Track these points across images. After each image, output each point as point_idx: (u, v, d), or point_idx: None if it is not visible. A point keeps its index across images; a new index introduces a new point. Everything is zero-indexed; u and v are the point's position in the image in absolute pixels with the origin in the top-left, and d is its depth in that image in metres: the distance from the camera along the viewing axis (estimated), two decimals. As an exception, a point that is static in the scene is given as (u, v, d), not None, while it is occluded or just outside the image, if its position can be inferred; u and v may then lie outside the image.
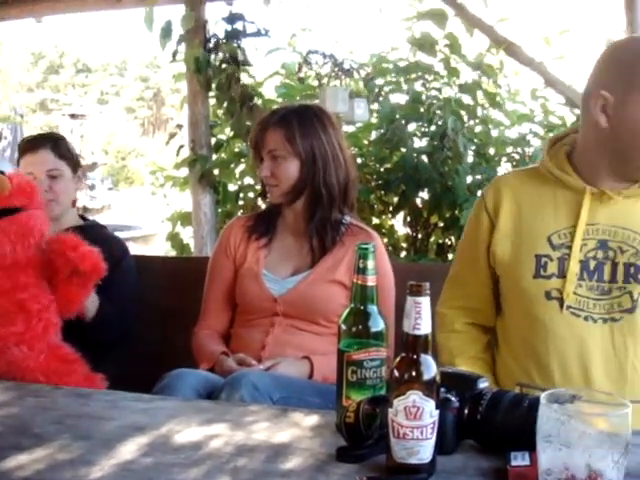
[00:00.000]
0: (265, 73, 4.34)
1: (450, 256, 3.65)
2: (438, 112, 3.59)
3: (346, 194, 2.34)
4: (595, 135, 1.83)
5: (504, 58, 3.88)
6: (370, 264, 1.44)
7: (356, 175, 2.44)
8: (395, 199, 3.76)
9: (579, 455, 0.98)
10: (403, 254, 3.80)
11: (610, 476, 0.98)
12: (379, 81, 3.87)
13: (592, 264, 1.83)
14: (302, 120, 2.30)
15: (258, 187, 3.89)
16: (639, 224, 1.84)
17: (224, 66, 3.98)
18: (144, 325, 2.54)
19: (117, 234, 2.77)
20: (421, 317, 1.23)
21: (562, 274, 1.83)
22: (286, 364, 2.15)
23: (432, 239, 3.77)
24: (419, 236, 3.77)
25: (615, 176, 1.86)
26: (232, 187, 4.13)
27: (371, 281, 1.45)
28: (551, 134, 3.62)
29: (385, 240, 3.78)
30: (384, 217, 3.86)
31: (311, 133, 2.28)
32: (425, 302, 1.24)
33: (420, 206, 3.72)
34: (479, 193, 3.41)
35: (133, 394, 1.76)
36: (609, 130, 1.80)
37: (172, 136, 4.37)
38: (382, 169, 3.77)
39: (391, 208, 3.80)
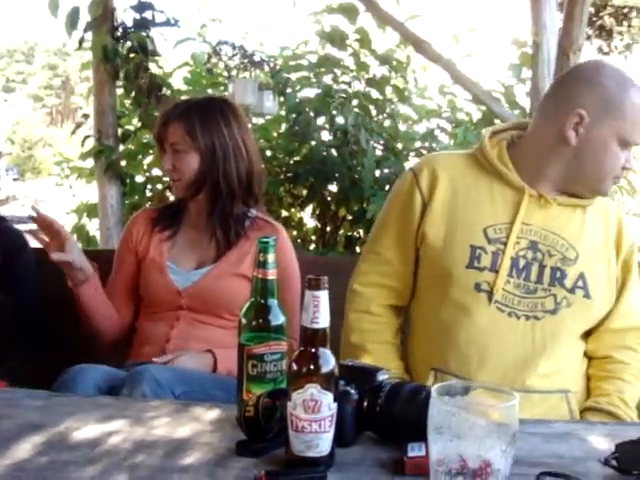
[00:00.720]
0: (175, 64, 4.29)
1: (358, 249, 3.68)
2: (343, 108, 3.60)
3: (250, 188, 2.33)
4: (555, 146, 1.88)
5: (413, 54, 3.92)
6: (270, 257, 1.43)
7: (261, 169, 2.43)
8: (304, 192, 3.77)
9: (469, 446, 1.00)
10: (312, 247, 3.81)
11: (499, 465, 1.01)
12: (289, 75, 3.86)
13: (522, 263, 1.87)
14: (204, 114, 2.29)
15: (166, 179, 3.85)
16: (567, 232, 1.90)
17: (132, 55, 3.90)
18: (48, 319, 2.48)
19: (21, 226, 2.68)
20: (319, 311, 1.23)
21: (494, 268, 1.85)
22: (187, 357, 2.14)
23: (341, 232, 3.79)
24: (328, 229, 3.79)
25: (557, 186, 1.92)
26: (140, 178, 4.07)
27: (271, 275, 1.44)
28: (458, 130, 3.69)
29: (294, 233, 3.79)
30: (293, 210, 3.87)
31: (212, 127, 2.27)
32: (323, 296, 1.24)
33: (329, 199, 3.74)
34: (387, 187, 3.49)
35: (32, 391, 1.71)
36: (574, 147, 1.86)
37: (78, 126, 4.28)
38: (291, 162, 3.78)
39: (300, 201, 3.81)
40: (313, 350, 1.24)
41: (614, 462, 1.31)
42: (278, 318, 1.45)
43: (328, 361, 1.24)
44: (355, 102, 3.70)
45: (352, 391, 1.36)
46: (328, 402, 1.23)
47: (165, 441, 1.40)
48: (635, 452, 1.25)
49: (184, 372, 2.02)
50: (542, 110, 1.98)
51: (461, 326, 1.87)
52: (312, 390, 1.22)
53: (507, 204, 1.90)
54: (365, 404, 1.37)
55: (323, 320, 1.24)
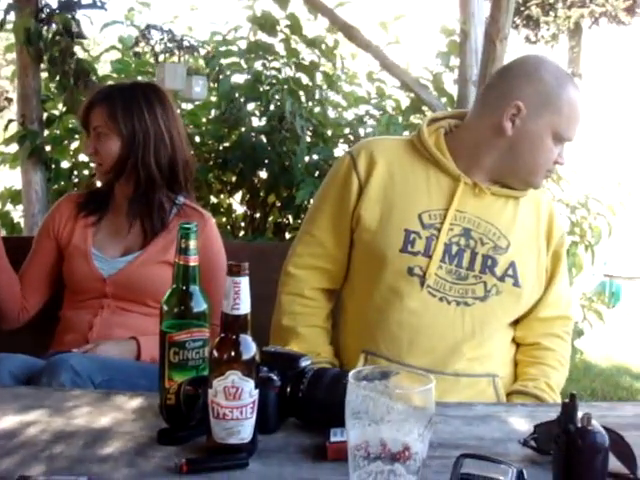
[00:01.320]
0: (104, 47, 4.20)
1: (287, 235, 3.67)
2: (277, 95, 3.57)
3: (173, 175, 2.30)
4: (492, 137, 1.91)
5: (342, 41, 3.91)
6: (192, 244, 1.42)
7: (189, 156, 2.40)
8: (233, 178, 3.73)
9: (388, 430, 1.00)
10: (241, 233, 3.78)
11: (416, 449, 1.01)
12: (220, 60, 3.81)
13: (454, 249, 1.89)
14: (126, 98, 2.27)
15: (93, 164, 3.77)
16: (499, 221, 1.93)
17: (57, 38, 3.80)
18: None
19: None
20: (240, 297, 1.23)
21: (427, 253, 1.87)
22: (109, 345, 2.11)
23: (270, 218, 3.76)
24: (257, 215, 3.76)
25: (491, 176, 1.95)
26: (65, 164, 3.97)
27: (193, 261, 1.43)
28: (384, 116, 3.69)
29: (223, 219, 3.75)
30: (222, 196, 3.83)
31: (134, 111, 2.25)
32: (244, 282, 1.23)
33: (258, 185, 3.71)
34: (316, 174, 3.49)
35: (-55, 382, 1.67)
36: (510, 138, 1.89)
37: (0, 110, 4.17)
38: (220, 148, 3.73)
39: (229, 187, 3.77)
40: (234, 337, 1.24)
41: (532, 442, 1.34)
42: (200, 305, 1.43)
43: (249, 348, 1.24)
44: (285, 87, 3.66)
45: (274, 377, 1.36)
46: (249, 389, 1.23)
47: (85, 431, 1.38)
48: (553, 432, 1.27)
49: (105, 360, 1.99)
50: (481, 101, 2.01)
51: (393, 309, 1.89)
52: (233, 377, 1.22)
53: (442, 191, 1.92)
54: (288, 390, 1.37)
55: (244, 306, 1.23)
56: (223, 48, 3.84)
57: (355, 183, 1.95)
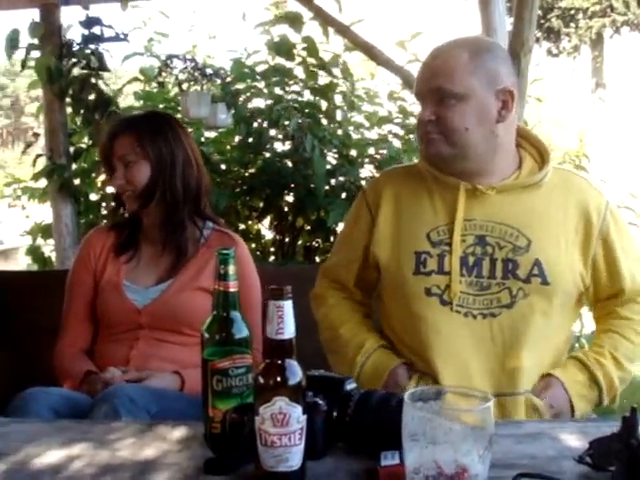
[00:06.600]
0: (125, 80, 4.23)
1: (317, 258, 3.65)
2: (294, 118, 3.55)
3: (198, 198, 2.30)
4: (489, 132, 1.85)
5: (360, 61, 3.90)
6: (231, 269, 1.40)
7: (208, 181, 2.40)
8: (261, 204, 3.72)
9: (445, 451, 0.98)
10: (272, 258, 3.76)
11: (475, 470, 0.98)
12: (239, 86, 3.81)
13: (471, 260, 1.84)
14: (151, 124, 2.30)
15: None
16: (514, 218, 1.86)
17: (79, 73, 3.84)
18: (7, 343, 2.40)
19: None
20: (284, 321, 1.20)
21: (441, 270, 1.84)
22: (157, 379, 2.08)
23: (299, 242, 3.74)
24: (286, 240, 3.74)
25: (494, 170, 1.90)
26: (94, 196, 3.99)
27: (233, 287, 1.41)
28: (411, 135, 3.67)
29: (253, 245, 3.74)
30: (250, 222, 3.82)
31: (159, 136, 2.26)
32: (287, 305, 1.21)
33: (286, 210, 3.70)
34: (343, 195, 3.47)
35: (-14, 418, 1.66)
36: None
37: (28, 145, 4.20)
38: (247, 174, 3.73)
39: (257, 213, 3.76)
40: (279, 362, 1.21)
41: (588, 459, 1.29)
42: (242, 331, 1.41)
43: (295, 373, 1.21)
44: (306, 111, 3.65)
45: (320, 402, 1.33)
46: (297, 415, 1.20)
47: (131, 464, 1.36)
48: (609, 448, 1.23)
49: (158, 391, 1.97)
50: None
51: (420, 332, 1.86)
52: (280, 403, 1.19)
53: (445, 205, 1.90)
54: (335, 414, 1.35)
55: (288, 330, 1.21)
56: (245, 70, 3.84)
57: (366, 217, 2.01)
